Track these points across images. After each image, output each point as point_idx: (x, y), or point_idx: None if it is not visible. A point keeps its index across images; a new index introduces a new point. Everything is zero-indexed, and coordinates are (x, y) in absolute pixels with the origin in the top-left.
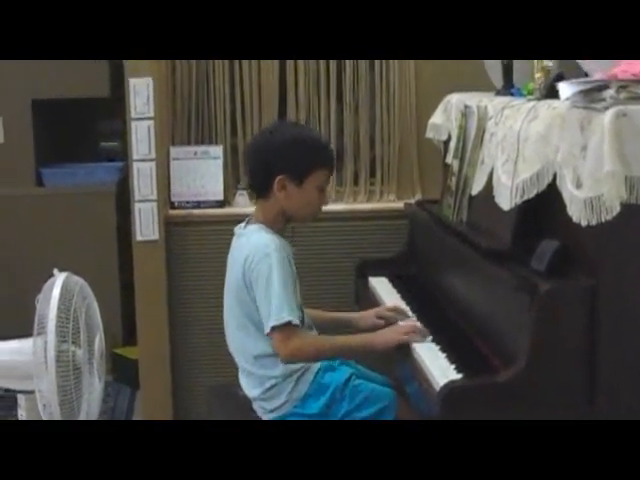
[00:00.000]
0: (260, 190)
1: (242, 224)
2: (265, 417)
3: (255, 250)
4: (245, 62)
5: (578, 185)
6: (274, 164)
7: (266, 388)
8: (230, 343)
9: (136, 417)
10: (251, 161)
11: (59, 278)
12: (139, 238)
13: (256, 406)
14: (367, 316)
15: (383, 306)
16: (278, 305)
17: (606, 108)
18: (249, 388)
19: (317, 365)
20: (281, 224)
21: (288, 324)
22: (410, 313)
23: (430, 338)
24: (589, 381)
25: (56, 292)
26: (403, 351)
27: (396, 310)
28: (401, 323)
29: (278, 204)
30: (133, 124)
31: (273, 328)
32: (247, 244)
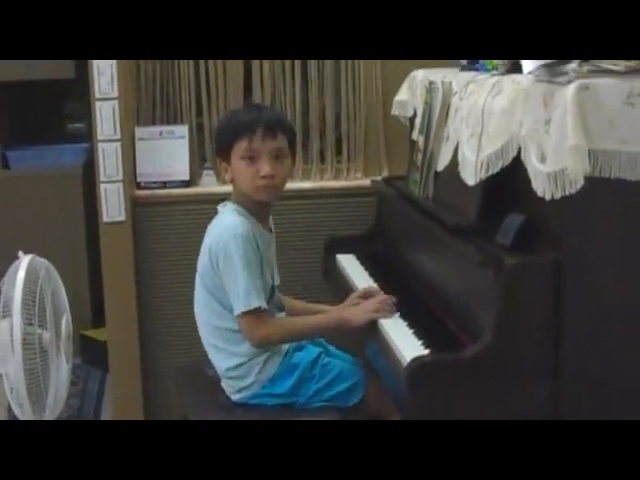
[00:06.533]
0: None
1: (226, 201)
2: (233, 397)
3: (222, 232)
4: None
5: (542, 159)
6: (215, 150)
7: (234, 364)
8: (197, 318)
9: (106, 399)
10: None
11: (24, 260)
12: (106, 219)
13: (224, 384)
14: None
15: (355, 293)
16: (245, 290)
17: (569, 82)
18: (218, 361)
19: (286, 346)
20: (251, 204)
21: (256, 310)
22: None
23: (397, 313)
24: (554, 355)
25: (21, 274)
26: (372, 328)
27: (368, 294)
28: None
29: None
30: (97, 104)
31: (242, 313)
32: (217, 225)
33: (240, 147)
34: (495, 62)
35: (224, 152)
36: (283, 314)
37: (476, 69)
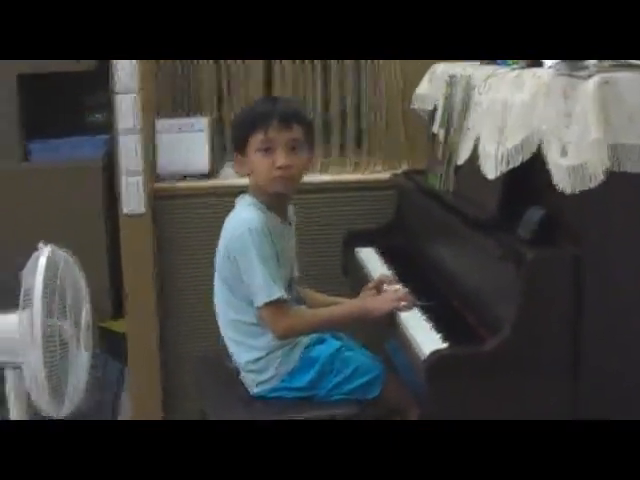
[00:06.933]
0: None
1: (244, 194)
2: (253, 390)
3: (237, 226)
4: None
5: (563, 153)
6: (233, 146)
7: (254, 358)
8: (217, 312)
9: (125, 391)
10: None
11: (44, 251)
12: (125, 211)
13: (244, 377)
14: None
15: (370, 283)
16: (266, 282)
17: (589, 76)
18: (238, 355)
19: (306, 340)
20: (268, 197)
21: (278, 300)
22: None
23: (417, 306)
24: (574, 350)
25: (42, 265)
26: (391, 320)
27: (383, 282)
28: (387, 288)
29: (251, 178)
30: (118, 97)
31: (264, 305)
32: (232, 219)
33: (256, 139)
34: None
35: (241, 145)
36: (302, 307)
37: (497, 63)
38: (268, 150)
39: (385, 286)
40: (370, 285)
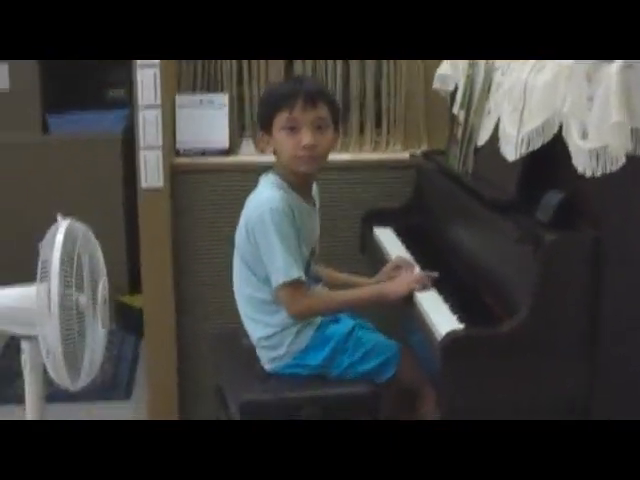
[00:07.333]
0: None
1: (269, 172)
2: (267, 366)
3: (258, 205)
4: None
5: (584, 136)
6: (258, 125)
7: (267, 334)
8: (235, 288)
9: (141, 366)
10: None
11: (63, 224)
12: (144, 186)
13: (259, 353)
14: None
15: (387, 266)
16: (285, 262)
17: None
18: (252, 331)
19: (319, 318)
20: (292, 176)
21: (296, 281)
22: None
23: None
24: (591, 334)
25: (59, 237)
26: (408, 302)
27: (399, 266)
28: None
29: (276, 157)
30: (139, 71)
31: (282, 285)
32: (255, 198)
33: (281, 118)
34: None
35: (266, 124)
36: (319, 286)
37: None
38: (293, 129)
39: (402, 269)
40: (387, 268)
